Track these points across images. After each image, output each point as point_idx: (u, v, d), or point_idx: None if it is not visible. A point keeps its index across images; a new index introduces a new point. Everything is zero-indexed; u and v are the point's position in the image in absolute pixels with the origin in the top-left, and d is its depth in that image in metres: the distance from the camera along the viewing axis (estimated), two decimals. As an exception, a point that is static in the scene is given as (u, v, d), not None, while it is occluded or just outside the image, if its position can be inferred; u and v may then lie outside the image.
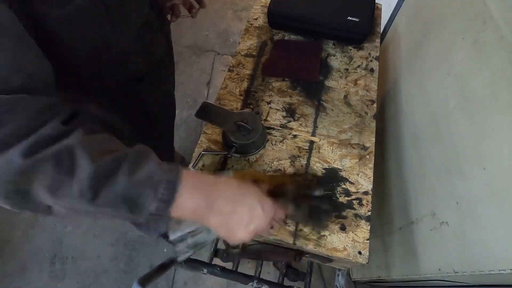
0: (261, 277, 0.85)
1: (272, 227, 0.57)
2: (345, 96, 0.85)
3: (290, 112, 0.81)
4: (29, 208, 0.38)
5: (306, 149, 0.76)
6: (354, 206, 0.70)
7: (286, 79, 0.87)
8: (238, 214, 0.45)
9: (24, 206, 0.38)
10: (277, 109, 0.82)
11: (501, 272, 0.50)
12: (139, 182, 0.38)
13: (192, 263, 0.83)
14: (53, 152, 0.35)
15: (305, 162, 0.74)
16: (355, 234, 0.66)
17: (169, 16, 0.81)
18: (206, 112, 0.73)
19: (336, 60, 0.92)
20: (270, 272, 1.35)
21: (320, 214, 0.62)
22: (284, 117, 0.80)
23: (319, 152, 0.76)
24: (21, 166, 0.34)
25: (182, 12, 0.82)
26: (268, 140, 0.76)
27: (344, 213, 0.69)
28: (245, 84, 0.86)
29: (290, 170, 0.73)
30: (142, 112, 0.77)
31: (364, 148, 0.77)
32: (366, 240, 0.66)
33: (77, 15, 0.44)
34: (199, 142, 0.76)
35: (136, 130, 0.75)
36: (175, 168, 0.41)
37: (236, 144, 0.70)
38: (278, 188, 0.56)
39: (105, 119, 0.62)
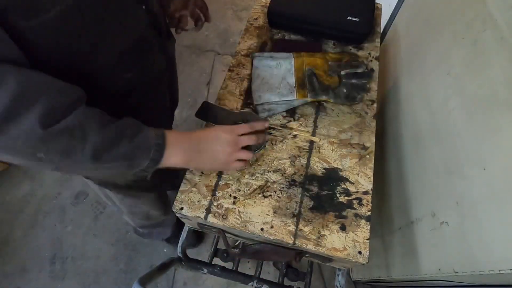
0: (261, 277, 0.85)
1: (243, 160, 0.65)
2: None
3: (290, 112, 0.81)
4: (39, 167, 0.49)
5: (306, 149, 0.76)
6: (354, 206, 0.70)
7: (286, 79, 0.87)
8: (205, 154, 0.60)
9: (35, 167, 0.46)
10: (277, 109, 0.82)
11: (501, 272, 0.51)
12: (137, 146, 0.50)
13: (192, 263, 0.83)
14: (67, 124, 0.43)
15: (305, 162, 0.74)
16: (355, 234, 0.66)
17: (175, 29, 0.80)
18: (206, 112, 0.73)
19: (336, 60, 0.91)
20: (270, 272, 1.35)
21: (358, 90, 0.83)
22: (284, 117, 0.81)
23: (319, 152, 0.76)
24: (41, 136, 0.41)
25: (188, 25, 0.82)
26: (268, 140, 0.76)
27: (344, 213, 0.69)
28: (245, 84, 0.86)
29: (289, 170, 0.73)
30: None
31: (364, 148, 0.77)
32: (366, 240, 0.66)
33: (51, 26, 0.43)
34: (199, 142, 0.76)
35: None
36: (161, 133, 0.54)
37: None
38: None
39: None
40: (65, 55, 0.48)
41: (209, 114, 0.73)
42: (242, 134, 0.63)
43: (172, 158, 0.55)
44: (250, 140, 0.64)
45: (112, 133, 0.47)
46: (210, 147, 0.60)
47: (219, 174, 0.72)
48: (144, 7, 0.58)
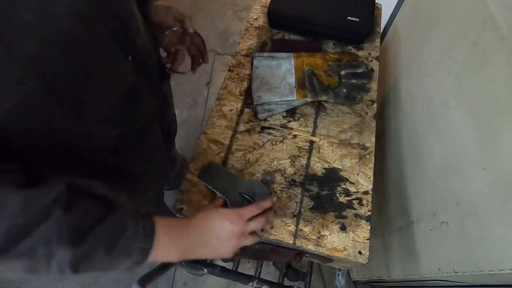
0: (261, 277, 0.85)
1: (256, 233, 0.57)
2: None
3: (290, 112, 0.81)
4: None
5: (306, 149, 0.76)
6: (354, 206, 0.70)
7: (286, 79, 0.87)
8: (206, 248, 0.52)
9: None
10: (277, 109, 0.82)
11: (501, 272, 0.51)
12: (116, 255, 0.42)
13: (192, 263, 0.83)
14: (29, 245, 0.36)
15: (305, 162, 0.74)
16: (355, 234, 0.66)
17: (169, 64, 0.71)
18: (211, 174, 0.65)
19: (336, 60, 0.91)
20: (270, 272, 1.35)
21: (358, 90, 0.83)
22: (284, 117, 0.81)
23: (319, 152, 0.76)
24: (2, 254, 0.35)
25: (183, 67, 0.72)
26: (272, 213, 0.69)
27: (344, 213, 0.69)
28: (245, 84, 0.86)
29: (289, 170, 0.73)
30: (124, 178, 0.65)
31: (364, 148, 0.77)
32: (367, 240, 0.66)
33: (11, 117, 0.37)
34: (199, 142, 0.76)
35: (122, 192, 0.66)
36: (150, 232, 0.45)
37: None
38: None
39: (85, 186, 0.51)
40: (36, 133, 0.42)
41: (214, 178, 0.65)
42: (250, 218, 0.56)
43: (161, 257, 0.47)
44: (258, 225, 0.56)
45: (86, 247, 0.39)
46: (212, 240, 0.52)
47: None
48: (130, 57, 0.51)
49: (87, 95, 0.44)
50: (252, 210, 0.55)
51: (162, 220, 0.48)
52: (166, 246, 0.47)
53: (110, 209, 0.43)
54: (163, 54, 0.72)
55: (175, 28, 0.64)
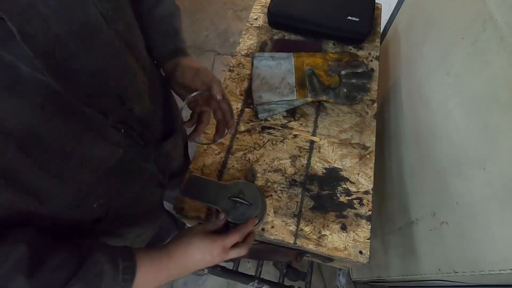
0: (261, 277, 0.85)
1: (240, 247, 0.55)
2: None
3: (291, 111, 0.81)
4: None
5: (307, 149, 0.76)
6: (354, 205, 0.70)
7: (286, 79, 0.87)
8: (186, 273, 0.50)
9: None
10: (278, 109, 0.82)
11: (501, 272, 0.51)
12: None
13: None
14: None
15: (306, 162, 0.74)
16: (356, 234, 0.67)
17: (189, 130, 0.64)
18: (195, 188, 0.61)
19: (336, 60, 0.91)
20: (270, 272, 1.35)
21: (358, 90, 0.84)
22: (284, 117, 0.81)
23: (319, 152, 0.76)
24: None
25: (205, 139, 0.69)
26: (266, 211, 0.66)
27: (344, 213, 0.69)
28: (245, 84, 0.86)
29: (290, 170, 0.73)
30: (110, 236, 0.59)
31: (365, 147, 0.77)
32: (367, 239, 0.66)
33: None
34: (199, 142, 0.76)
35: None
36: (130, 276, 0.42)
37: (234, 224, 0.58)
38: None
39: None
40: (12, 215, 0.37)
41: (199, 191, 0.61)
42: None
43: None
44: (239, 255, 0.54)
45: None
46: (192, 269, 0.51)
47: (220, 175, 0.72)
48: (123, 131, 0.46)
49: (63, 174, 0.39)
50: (234, 239, 0.53)
51: (143, 256, 0.45)
52: (145, 284, 0.44)
53: (83, 259, 0.39)
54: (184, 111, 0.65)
55: (200, 92, 0.57)
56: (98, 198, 0.48)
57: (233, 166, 0.73)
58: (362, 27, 0.90)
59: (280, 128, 0.79)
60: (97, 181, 0.45)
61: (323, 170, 0.74)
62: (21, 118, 0.32)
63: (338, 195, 0.71)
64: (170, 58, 0.60)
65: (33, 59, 0.31)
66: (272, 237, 0.66)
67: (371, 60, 0.91)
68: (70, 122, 0.37)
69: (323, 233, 0.67)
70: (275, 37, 0.96)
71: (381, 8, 1.03)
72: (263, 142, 0.77)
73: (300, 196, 0.70)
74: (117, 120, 0.44)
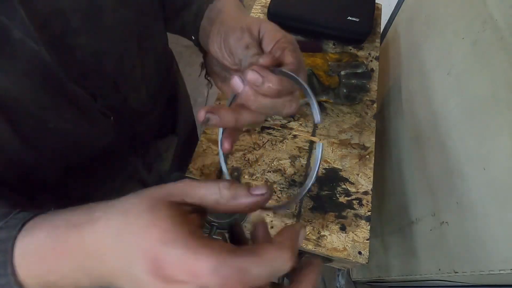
0: (261, 277, 0.85)
1: None
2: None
3: (290, 112, 0.81)
4: None
5: (306, 149, 0.76)
6: (354, 206, 0.70)
7: (286, 79, 0.87)
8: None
9: None
10: (277, 109, 0.82)
11: (501, 272, 0.51)
12: None
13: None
14: None
15: (305, 162, 0.74)
16: (355, 234, 0.66)
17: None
18: None
19: (336, 60, 0.91)
20: (270, 272, 1.34)
21: (358, 90, 0.83)
22: (284, 117, 0.81)
23: (319, 152, 0.76)
24: None
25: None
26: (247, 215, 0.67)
27: (344, 213, 0.69)
28: (245, 84, 0.86)
29: (289, 170, 0.73)
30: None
31: (364, 148, 0.77)
32: (366, 240, 0.66)
33: None
34: (199, 142, 0.76)
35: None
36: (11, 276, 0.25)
37: (217, 223, 0.58)
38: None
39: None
40: None
41: None
42: None
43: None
44: None
45: None
46: (117, 282, 0.35)
47: (219, 175, 0.72)
48: (112, 118, 0.44)
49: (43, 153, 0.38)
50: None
51: (31, 241, 0.25)
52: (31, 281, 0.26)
53: None
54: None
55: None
56: (77, 187, 0.45)
57: (232, 166, 0.73)
58: (362, 27, 0.90)
59: (280, 128, 0.79)
60: (80, 166, 0.44)
61: (323, 170, 0.74)
62: (3, 81, 0.30)
63: (338, 195, 0.71)
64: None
65: (28, 26, 0.29)
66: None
67: (371, 60, 0.91)
68: (55, 97, 0.35)
69: (322, 233, 0.66)
70: (275, 37, 0.96)
71: (381, 8, 1.03)
72: (263, 142, 0.77)
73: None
74: (107, 105, 0.42)
